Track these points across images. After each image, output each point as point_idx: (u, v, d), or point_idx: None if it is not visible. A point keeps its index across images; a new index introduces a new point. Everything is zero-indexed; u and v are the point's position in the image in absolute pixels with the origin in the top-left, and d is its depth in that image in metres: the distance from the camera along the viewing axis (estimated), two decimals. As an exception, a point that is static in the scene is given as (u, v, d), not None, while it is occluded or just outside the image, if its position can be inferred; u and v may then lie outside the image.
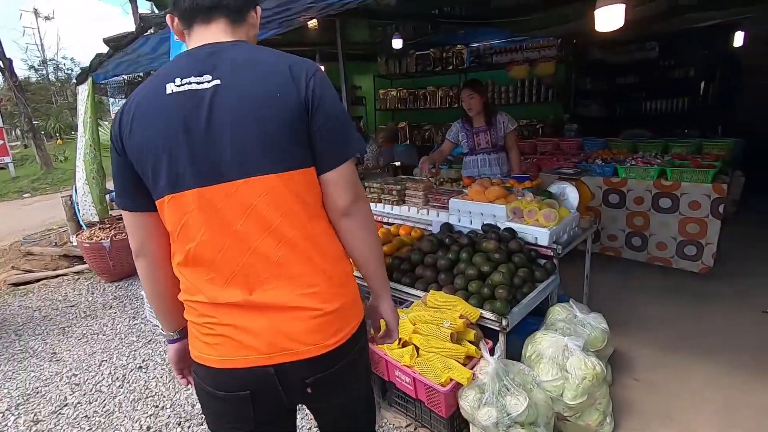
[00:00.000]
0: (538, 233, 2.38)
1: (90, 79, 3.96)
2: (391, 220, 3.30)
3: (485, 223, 2.63)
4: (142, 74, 4.92)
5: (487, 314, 1.96)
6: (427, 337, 1.95)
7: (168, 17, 1.04)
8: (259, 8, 1.07)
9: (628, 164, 3.42)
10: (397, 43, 4.39)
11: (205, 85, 0.89)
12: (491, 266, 2.15)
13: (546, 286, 2.23)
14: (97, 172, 4.20)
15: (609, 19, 2.43)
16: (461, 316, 1.93)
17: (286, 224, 0.93)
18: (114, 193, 1.06)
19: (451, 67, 6.22)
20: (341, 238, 1.04)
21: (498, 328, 1.94)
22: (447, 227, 2.80)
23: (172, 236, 0.98)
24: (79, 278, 4.64)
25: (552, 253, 2.38)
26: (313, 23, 4.48)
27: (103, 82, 4.99)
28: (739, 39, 5.51)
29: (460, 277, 2.18)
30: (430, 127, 6.79)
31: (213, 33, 0.96)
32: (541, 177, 3.71)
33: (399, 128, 6.49)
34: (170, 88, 0.90)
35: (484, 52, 5.93)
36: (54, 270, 5.13)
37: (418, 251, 2.46)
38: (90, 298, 4.03)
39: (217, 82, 0.89)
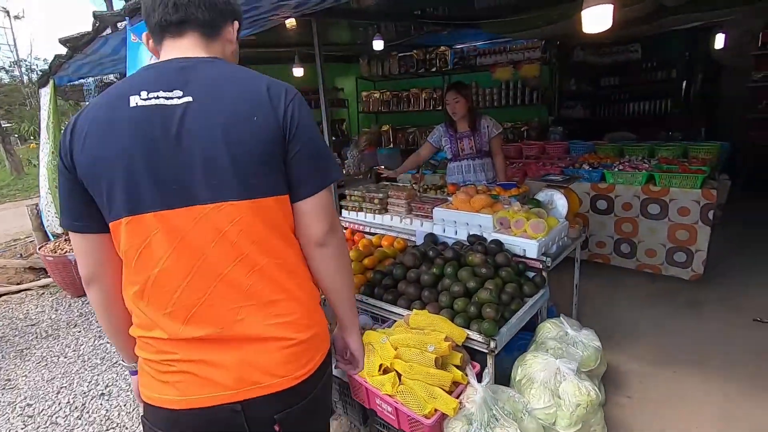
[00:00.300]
0: (526, 245, 2.26)
1: (51, 82, 3.71)
2: (373, 230, 3.16)
3: (471, 233, 2.51)
4: (116, 75, 4.68)
5: (475, 335, 1.82)
6: (410, 362, 1.80)
7: (143, 36, 0.97)
8: (237, 23, 0.99)
9: (616, 169, 3.34)
10: (377, 45, 4.25)
11: (175, 101, 0.83)
12: (478, 282, 2.01)
13: (535, 302, 2.11)
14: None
15: (597, 19, 2.33)
16: (446, 339, 1.79)
17: (257, 252, 0.88)
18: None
19: (434, 69, 6.10)
20: (313, 267, 1.00)
21: (486, 351, 1.80)
22: (431, 238, 2.67)
23: (127, 263, 0.89)
24: (44, 293, 4.37)
25: (541, 266, 2.26)
26: (291, 23, 4.31)
27: (69, 84, 4.73)
28: (720, 41, 5.53)
29: (445, 294, 2.04)
30: (414, 130, 6.66)
31: (185, 47, 0.91)
32: (528, 184, 3.61)
33: (382, 131, 6.35)
34: (135, 100, 0.83)
35: (468, 53, 5.83)
36: (18, 284, 4.84)
37: (401, 266, 2.31)
38: (53, 316, 3.78)
39: (189, 99, 0.83)
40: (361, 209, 3.26)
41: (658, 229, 3.13)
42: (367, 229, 3.19)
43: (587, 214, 3.47)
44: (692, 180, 2.99)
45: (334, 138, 7.04)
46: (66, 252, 3.99)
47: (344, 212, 3.39)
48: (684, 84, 6.24)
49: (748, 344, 2.53)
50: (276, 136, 0.85)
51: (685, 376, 2.33)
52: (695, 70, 6.31)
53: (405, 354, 1.84)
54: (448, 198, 3.03)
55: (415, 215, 2.97)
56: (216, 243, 0.85)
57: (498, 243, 2.26)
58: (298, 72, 5.22)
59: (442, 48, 5.97)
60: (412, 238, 2.88)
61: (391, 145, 6.38)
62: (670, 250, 3.11)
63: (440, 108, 6.39)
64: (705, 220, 2.97)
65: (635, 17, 4.04)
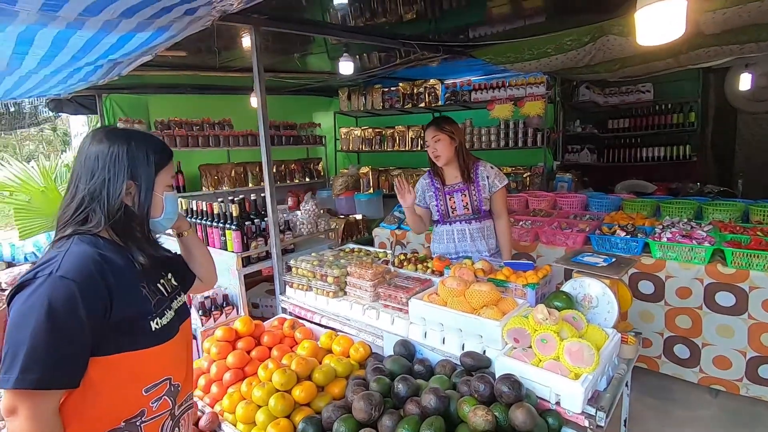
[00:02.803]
0: (560, 387, 1.33)
1: None
2: (325, 321, 2.20)
3: (467, 352, 1.57)
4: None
5: None
6: None
7: None
8: None
9: (664, 239, 2.46)
10: (346, 68, 3.46)
11: None
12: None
13: None
14: None
15: (662, 25, 1.50)
16: None
17: None
18: None
19: (423, 105, 5.35)
20: None
21: None
22: (404, 348, 1.74)
23: None
24: None
25: (587, 424, 1.32)
26: (247, 44, 3.53)
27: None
28: (745, 82, 4.88)
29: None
30: (399, 173, 5.82)
31: None
32: (546, 260, 2.71)
33: (361, 174, 5.51)
34: None
35: (462, 88, 5.09)
36: None
37: (349, 420, 1.35)
38: None
39: None
40: (309, 288, 2.32)
41: (733, 329, 2.21)
42: (317, 318, 2.23)
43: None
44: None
45: (308, 179, 6.21)
46: None
47: (288, 290, 2.44)
48: (699, 129, 5.56)
49: None
50: None
51: None
52: (708, 114, 5.71)
53: None
54: (433, 279, 2.11)
55: (383, 304, 2.04)
56: None
57: (513, 384, 1.32)
58: (254, 102, 4.40)
59: (432, 81, 5.25)
60: (379, 342, 1.94)
61: (371, 190, 5.52)
62: (752, 360, 2.19)
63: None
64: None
65: (664, 48, 3.32)
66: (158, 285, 1.12)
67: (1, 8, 1.37)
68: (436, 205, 2.39)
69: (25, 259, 4.69)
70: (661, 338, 2.47)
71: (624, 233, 2.59)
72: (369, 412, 1.33)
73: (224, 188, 5.13)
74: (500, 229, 2.39)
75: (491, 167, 2.39)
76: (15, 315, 0.88)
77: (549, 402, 1.35)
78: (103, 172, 1.02)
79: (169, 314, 1.11)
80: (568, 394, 1.30)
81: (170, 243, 1.31)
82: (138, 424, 1.02)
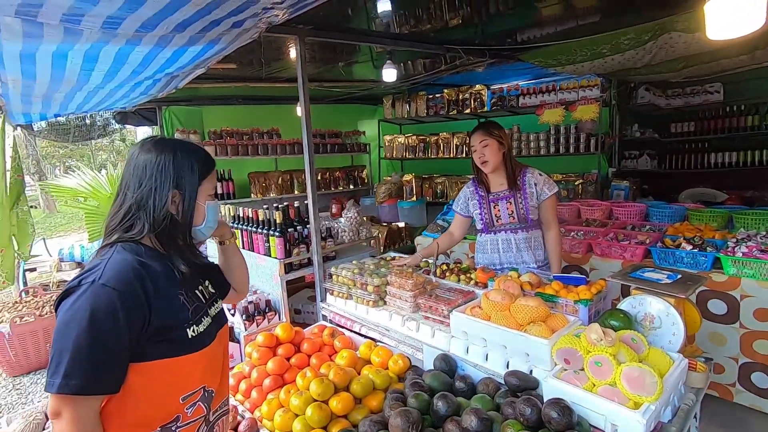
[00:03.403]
0: (618, 417, 1.21)
1: (1, 116, 3.13)
2: (365, 330, 2.18)
3: (512, 371, 1.48)
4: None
5: None
6: None
7: None
8: None
9: (739, 254, 2.21)
10: (389, 75, 3.45)
11: None
12: None
13: None
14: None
15: (737, 15, 1.35)
16: None
17: None
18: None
19: (468, 111, 5.24)
20: None
21: None
22: (445, 364, 1.67)
23: None
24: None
25: (649, 459, 1.19)
26: (293, 54, 3.63)
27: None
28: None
29: None
30: (443, 180, 5.74)
31: None
32: (600, 274, 2.55)
33: (404, 181, 5.48)
34: None
35: (509, 93, 4.94)
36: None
37: (383, 435, 1.30)
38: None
39: None
40: (350, 296, 2.30)
41: (823, 358, 1.95)
42: (357, 327, 2.21)
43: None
44: None
45: (352, 187, 6.27)
46: (1, 323, 3.25)
47: (329, 298, 2.44)
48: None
49: None
50: None
51: None
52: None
53: None
54: (476, 291, 2.02)
55: (424, 316, 1.98)
56: None
57: (563, 409, 1.21)
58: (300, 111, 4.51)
59: (477, 87, 5.13)
60: (419, 355, 1.88)
61: (414, 198, 5.46)
62: None
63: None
64: None
65: (737, 43, 3.03)
66: (196, 292, 1.14)
67: (68, 28, 1.48)
68: (480, 214, 2.30)
69: (93, 260, 5.08)
70: (735, 364, 2.21)
71: (690, 246, 2.36)
72: (406, 430, 1.27)
73: (271, 195, 5.28)
74: (550, 240, 2.25)
75: (540, 174, 2.27)
76: (60, 322, 0.92)
77: (599, 428, 1.23)
78: (150, 181, 1.05)
79: (206, 321, 1.13)
80: (627, 425, 1.17)
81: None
82: (173, 429, 1.03)
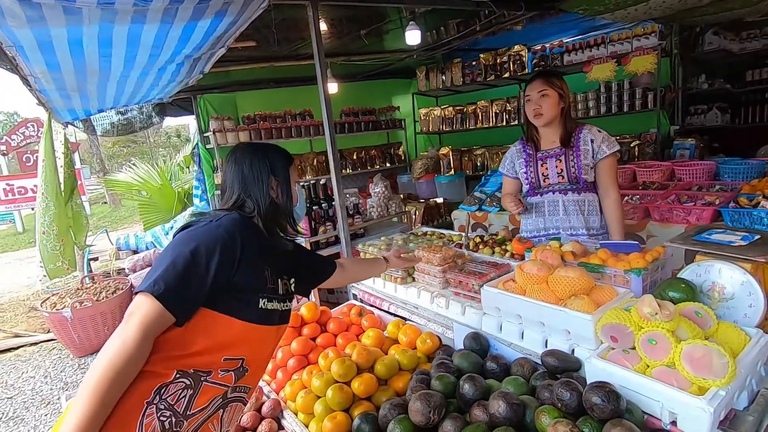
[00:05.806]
0: (678, 403, 1.02)
1: (48, 114, 3.30)
2: (393, 309, 2.07)
3: (550, 350, 1.31)
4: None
5: None
6: None
7: None
8: None
9: (835, 211, 1.84)
10: (413, 37, 3.21)
11: None
12: None
13: None
14: (49, 225, 3.47)
15: None
16: None
17: None
18: None
19: (507, 75, 4.88)
20: None
21: None
22: (476, 342, 1.53)
23: None
24: (54, 348, 3.94)
25: (718, 454, 0.99)
26: (324, 29, 3.50)
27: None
28: None
29: None
30: (483, 152, 5.44)
31: None
32: (654, 233, 2.26)
33: (441, 155, 5.23)
34: None
35: (552, 51, 4.52)
36: (48, 332, 4.55)
37: (405, 421, 1.19)
38: (43, 380, 3.26)
39: None
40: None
41: None
42: (386, 305, 2.10)
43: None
44: None
45: (389, 165, 6.12)
46: (61, 309, 3.48)
47: (358, 276, 2.34)
48: None
49: None
50: None
51: None
52: None
53: None
54: (511, 263, 1.85)
55: (454, 292, 1.84)
56: None
57: (609, 394, 1.03)
58: (332, 88, 4.40)
59: (517, 48, 4.75)
60: (449, 333, 1.75)
61: (452, 172, 5.22)
62: None
63: (516, 123, 5.12)
64: None
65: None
66: (279, 281, 1.24)
67: (65, 6, 1.44)
68: (526, 173, 2.07)
69: (146, 248, 5.35)
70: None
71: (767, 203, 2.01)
72: (426, 415, 1.16)
73: (307, 177, 5.27)
74: (609, 206, 1.98)
75: (599, 131, 1.98)
76: (172, 243, 1.08)
77: (660, 420, 1.04)
78: (252, 172, 1.24)
79: (276, 305, 1.21)
80: (689, 413, 0.98)
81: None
82: (202, 379, 1.08)
